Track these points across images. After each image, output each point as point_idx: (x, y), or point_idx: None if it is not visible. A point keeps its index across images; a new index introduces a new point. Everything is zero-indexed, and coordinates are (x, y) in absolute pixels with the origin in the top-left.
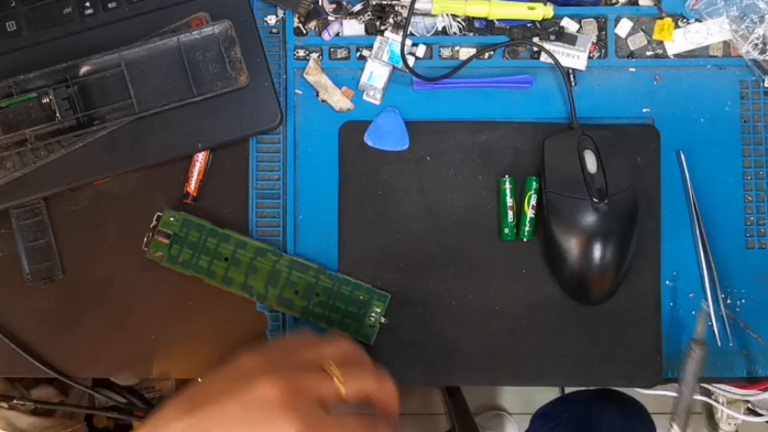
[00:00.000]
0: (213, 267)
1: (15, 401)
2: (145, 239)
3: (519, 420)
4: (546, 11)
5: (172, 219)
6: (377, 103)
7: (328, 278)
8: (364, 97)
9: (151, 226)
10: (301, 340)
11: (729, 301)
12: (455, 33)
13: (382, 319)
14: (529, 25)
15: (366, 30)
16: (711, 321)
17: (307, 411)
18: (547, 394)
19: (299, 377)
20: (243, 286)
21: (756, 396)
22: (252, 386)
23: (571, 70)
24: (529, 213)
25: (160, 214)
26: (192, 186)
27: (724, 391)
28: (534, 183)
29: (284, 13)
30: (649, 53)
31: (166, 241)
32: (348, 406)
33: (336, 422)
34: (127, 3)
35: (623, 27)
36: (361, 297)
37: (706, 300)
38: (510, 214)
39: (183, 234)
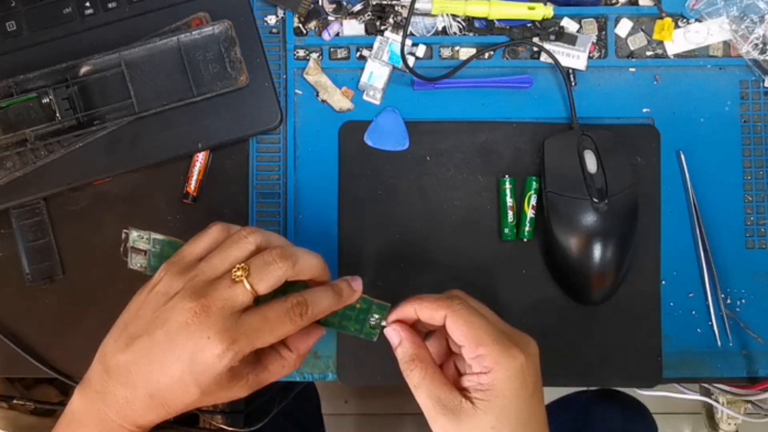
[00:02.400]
0: None
1: (15, 401)
2: (121, 249)
3: None
4: (546, 11)
5: (139, 236)
6: (377, 103)
7: None
8: (364, 97)
9: (122, 239)
10: (210, 240)
11: (729, 301)
12: (455, 33)
13: (384, 323)
14: (529, 25)
15: (366, 30)
16: (711, 321)
17: (223, 324)
18: (547, 394)
19: (212, 294)
20: None
21: (756, 396)
22: (172, 314)
23: (571, 70)
24: (529, 213)
25: (126, 231)
26: (192, 186)
27: (724, 391)
28: (534, 183)
29: (284, 13)
30: (649, 53)
31: (144, 256)
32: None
33: (255, 319)
34: (127, 3)
35: (623, 27)
36: (357, 306)
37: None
38: (510, 214)
39: (157, 250)
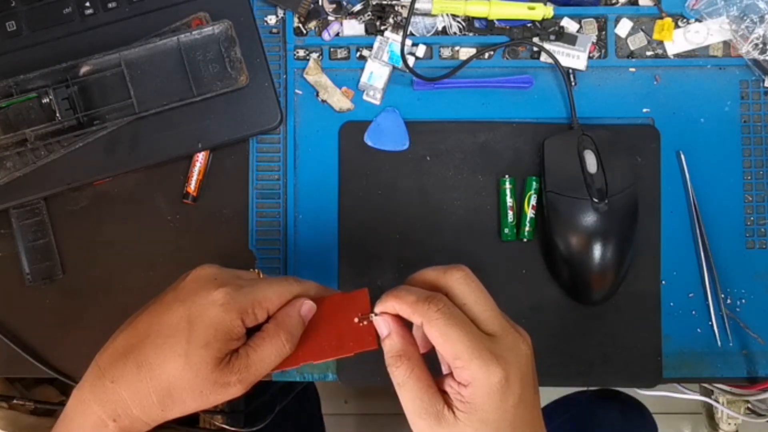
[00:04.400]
0: None
1: (15, 401)
2: None
3: None
4: (546, 11)
5: None
6: (377, 103)
7: None
8: (364, 97)
9: None
10: None
11: (729, 301)
12: (455, 33)
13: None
14: (529, 25)
15: (366, 30)
16: (711, 321)
17: (230, 278)
18: (548, 395)
19: (223, 268)
20: None
21: (756, 396)
22: (183, 281)
23: (571, 70)
24: (529, 213)
25: None
26: (192, 186)
27: (724, 391)
28: (534, 183)
29: (284, 13)
30: (649, 53)
31: None
32: None
33: (256, 280)
34: (127, 3)
35: (623, 27)
36: None
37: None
38: (510, 214)
39: None
